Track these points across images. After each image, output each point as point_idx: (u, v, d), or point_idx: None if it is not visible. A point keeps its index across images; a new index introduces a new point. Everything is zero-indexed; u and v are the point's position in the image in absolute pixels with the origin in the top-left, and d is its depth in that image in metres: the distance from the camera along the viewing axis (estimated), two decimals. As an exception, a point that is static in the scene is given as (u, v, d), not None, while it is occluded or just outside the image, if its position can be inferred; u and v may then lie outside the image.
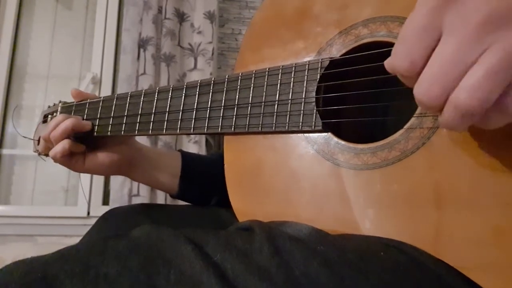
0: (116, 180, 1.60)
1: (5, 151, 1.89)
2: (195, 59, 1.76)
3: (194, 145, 1.68)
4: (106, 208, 0.88)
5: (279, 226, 0.34)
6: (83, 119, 0.62)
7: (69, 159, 0.60)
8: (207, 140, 1.72)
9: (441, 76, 0.25)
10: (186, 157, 0.68)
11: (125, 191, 1.60)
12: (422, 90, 0.26)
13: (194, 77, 1.74)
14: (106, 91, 1.86)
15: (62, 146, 0.58)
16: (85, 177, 1.77)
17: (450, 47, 0.25)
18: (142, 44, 1.69)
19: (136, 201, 1.60)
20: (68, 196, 1.90)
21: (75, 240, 0.39)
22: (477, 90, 0.24)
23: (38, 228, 1.74)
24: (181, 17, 1.79)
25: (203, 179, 0.68)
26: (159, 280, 0.25)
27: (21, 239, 1.72)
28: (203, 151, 1.69)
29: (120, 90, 1.68)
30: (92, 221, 0.62)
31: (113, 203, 1.59)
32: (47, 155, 0.67)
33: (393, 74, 0.29)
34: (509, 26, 0.23)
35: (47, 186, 1.91)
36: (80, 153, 0.61)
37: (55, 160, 0.60)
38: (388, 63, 0.29)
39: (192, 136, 1.67)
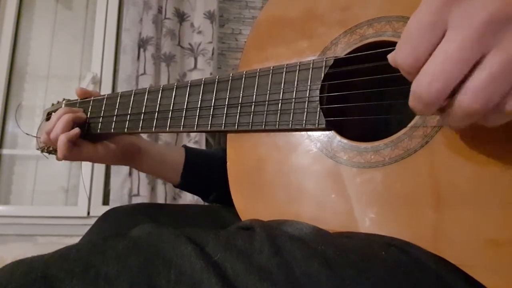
0: (116, 180, 1.60)
1: (5, 151, 1.89)
2: (195, 59, 1.76)
3: (194, 145, 1.68)
4: (106, 208, 0.88)
5: (279, 226, 0.33)
6: (86, 116, 0.62)
7: (74, 149, 0.59)
8: (207, 140, 1.72)
9: (444, 72, 0.25)
10: (190, 151, 0.70)
11: (125, 191, 1.60)
12: (423, 84, 0.26)
13: (194, 77, 1.74)
14: (106, 91, 1.86)
15: (64, 135, 0.57)
16: (85, 177, 1.77)
17: (454, 44, 0.25)
18: (142, 44, 1.69)
19: (136, 201, 1.60)
20: (68, 196, 1.90)
21: (75, 240, 0.39)
22: (481, 93, 0.24)
23: (38, 228, 1.74)
24: (181, 17, 1.79)
25: (205, 173, 0.69)
26: (159, 280, 0.25)
27: (21, 239, 1.72)
28: (203, 151, 1.69)
29: (120, 90, 1.67)
30: (92, 221, 0.62)
31: (113, 203, 1.59)
32: (50, 152, 0.67)
33: (396, 68, 0.30)
34: None
35: (47, 186, 1.91)
36: (86, 143, 0.60)
37: (61, 150, 0.58)
38: (391, 58, 0.29)
39: (193, 135, 1.67)
